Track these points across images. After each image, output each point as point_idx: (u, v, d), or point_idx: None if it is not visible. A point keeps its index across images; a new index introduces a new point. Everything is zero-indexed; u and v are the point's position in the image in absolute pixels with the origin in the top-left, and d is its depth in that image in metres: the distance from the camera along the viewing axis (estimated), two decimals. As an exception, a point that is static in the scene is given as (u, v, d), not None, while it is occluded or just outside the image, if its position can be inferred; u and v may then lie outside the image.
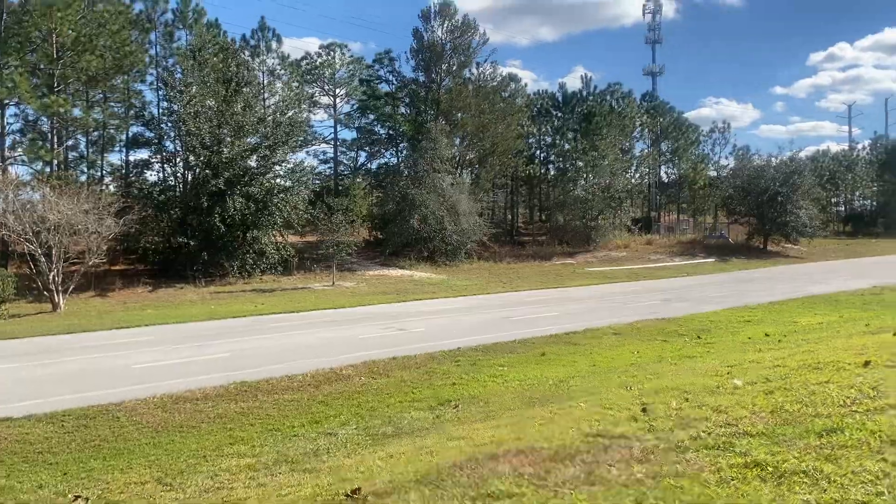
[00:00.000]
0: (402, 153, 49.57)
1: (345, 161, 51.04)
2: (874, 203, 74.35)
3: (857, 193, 75.78)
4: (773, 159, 53.49)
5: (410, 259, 39.19)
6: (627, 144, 58.91)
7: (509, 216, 58.35)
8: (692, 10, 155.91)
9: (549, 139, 57.94)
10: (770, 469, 4.56)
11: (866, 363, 8.88)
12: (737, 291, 27.56)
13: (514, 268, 41.09)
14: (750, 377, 9.19)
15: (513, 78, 53.75)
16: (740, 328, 18.83)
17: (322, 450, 8.55)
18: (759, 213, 49.84)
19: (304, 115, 40.79)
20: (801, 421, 5.91)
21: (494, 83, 48.83)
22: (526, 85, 57.01)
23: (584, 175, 50.44)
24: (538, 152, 58.44)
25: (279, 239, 35.21)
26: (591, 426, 6.92)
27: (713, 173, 63.09)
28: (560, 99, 58.14)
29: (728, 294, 26.57)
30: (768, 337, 16.53)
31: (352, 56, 48.57)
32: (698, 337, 17.54)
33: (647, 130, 62.57)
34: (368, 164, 51.77)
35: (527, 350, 16.14)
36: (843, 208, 75.35)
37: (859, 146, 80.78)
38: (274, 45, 43.10)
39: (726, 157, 64.83)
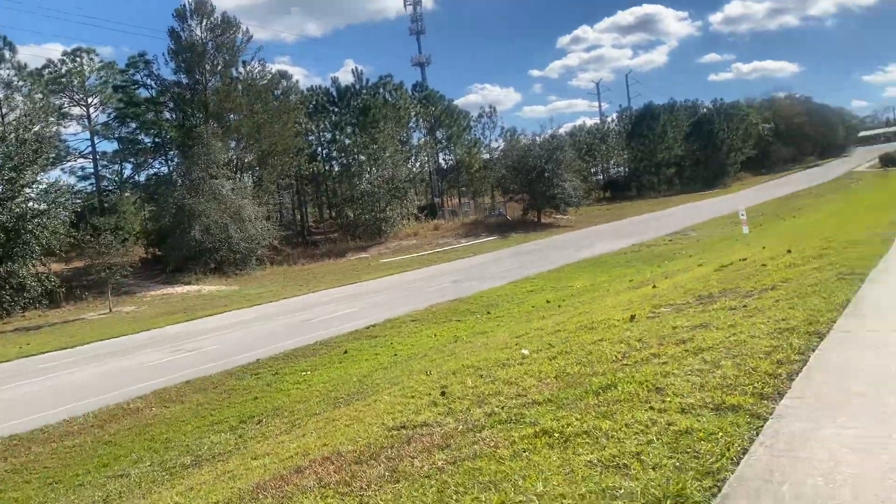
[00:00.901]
0: (172, 161, 46.69)
1: (108, 175, 47.10)
2: (626, 169, 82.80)
3: (612, 162, 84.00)
4: (537, 138, 57.80)
5: (196, 273, 37.11)
6: (405, 135, 60.30)
7: (299, 216, 57.33)
8: (450, 1, 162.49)
9: (328, 135, 57.63)
10: (556, 435, 4.84)
11: (632, 317, 9.81)
12: (519, 264, 29.33)
13: (309, 268, 40.50)
14: (536, 345, 9.75)
15: (284, 75, 52.69)
16: (525, 298, 20.04)
17: (113, 495, 7.83)
18: (530, 189, 53.48)
19: (54, 129, 36.90)
20: (582, 382, 6.36)
21: (265, 81, 47.52)
22: (298, 81, 55.99)
23: (368, 168, 50.87)
24: (320, 149, 57.96)
25: (41, 269, 31.61)
26: (394, 419, 6.95)
27: (486, 156, 66.61)
28: (335, 94, 58.00)
29: (511, 268, 28.20)
30: (549, 303, 17.71)
31: (101, 61, 44.72)
32: (488, 312, 18.41)
33: (421, 120, 64.44)
34: (136, 177, 48.15)
35: (329, 350, 15.97)
36: (601, 177, 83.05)
37: (609, 119, 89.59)
38: (7, 53, 38.40)
39: (496, 140, 68.82)
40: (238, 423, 10.81)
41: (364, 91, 57.75)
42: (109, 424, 11.63)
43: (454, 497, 4.12)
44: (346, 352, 15.29)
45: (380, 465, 5.32)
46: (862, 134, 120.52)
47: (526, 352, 9.23)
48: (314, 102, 56.50)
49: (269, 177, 46.70)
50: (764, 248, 16.09)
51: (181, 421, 11.29)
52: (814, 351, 5.71)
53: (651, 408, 5.02)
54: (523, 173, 53.41)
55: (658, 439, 4.31)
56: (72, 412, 12.19)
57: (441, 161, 68.44)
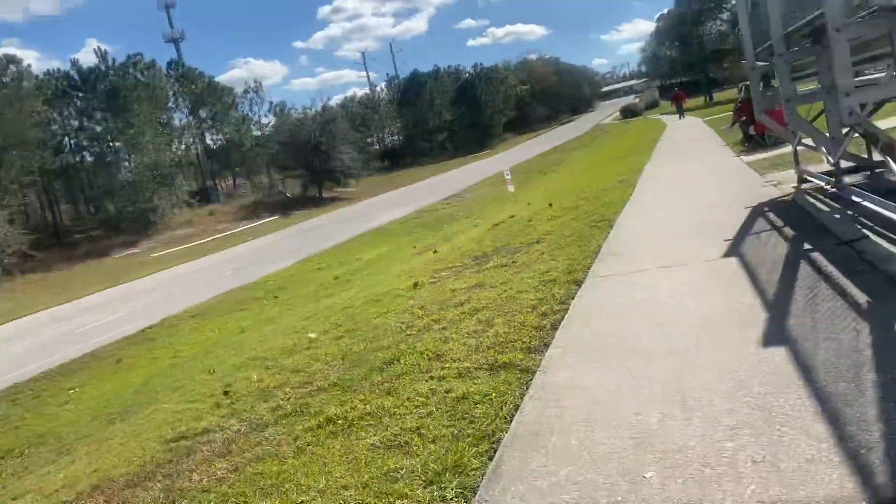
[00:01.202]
0: None
1: None
2: (401, 137, 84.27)
3: (387, 131, 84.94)
4: (308, 112, 56.65)
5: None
6: (165, 117, 56.22)
7: (51, 216, 51.45)
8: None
9: (75, 123, 52.04)
10: (340, 422, 4.73)
11: (415, 285, 9.95)
12: (304, 242, 28.77)
13: (69, 273, 36.64)
14: (324, 326, 9.57)
15: (12, 59, 46.49)
16: (313, 277, 19.69)
17: None
18: (307, 164, 52.57)
19: None
20: (367, 360, 6.30)
21: (-13, 67, 41.68)
22: (30, 66, 49.65)
23: (127, 156, 46.85)
24: (67, 139, 52.18)
25: None
26: (173, 429, 6.45)
27: (258, 133, 64.22)
28: (77, 78, 52.33)
29: (296, 247, 27.58)
30: (338, 279, 17.54)
31: None
32: (275, 297, 17.85)
33: (181, 99, 60.39)
34: None
35: (100, 362, 14.58)
36: (378, 146, 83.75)
37: (378, 88, 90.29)
38: None
39: (266, 116, 66.49)
40: (-6, 461, 9.50)
41: (112, 72, 52.67)
42: None
43: (232, 509, 3.87)
44: (119, 361, 14.04)
45: (155, 487, 4.89)
46: (604, 89, 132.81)
47: (313, 335, 9.02)
48: (54, 88, 50.58)
49: (6, 175, 41.25)
50: (529, 203, 17.12)
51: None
52: (573, 299, 6.12)
53: (431, 377, 5.07)
54: (298, 148, 52.29)
55: (437, 409, 4.35)
56: None
57: (210, 142, 64.84)
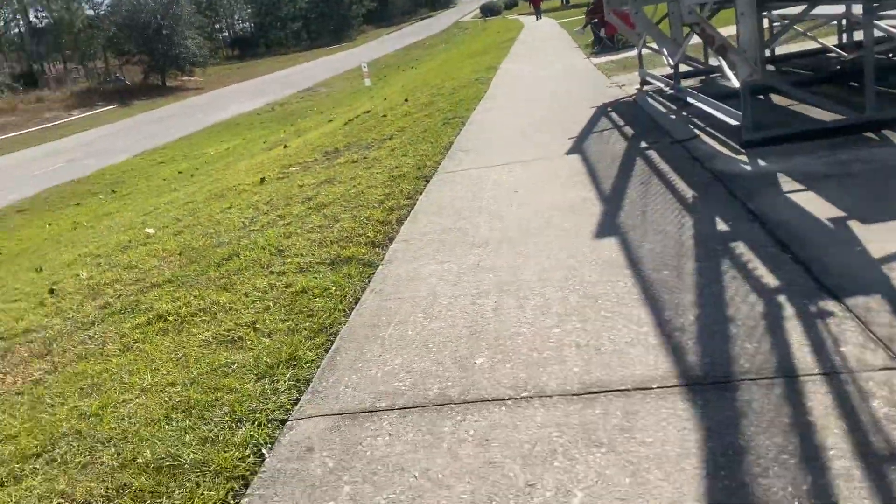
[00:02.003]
0: None
1: None
2: (252, 25, 79.15)
3: (237, 17, 79.38)
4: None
5: None
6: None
7: None
8: None
9: None
10: (172, 318, 4.48)
11: (262, 180, 9.54)
12: (145, 134, 26.80)
13: None
14: (163, 221, 9.03)
15: None
16: (155, 171, 18.51)
17: None
18: (149, 49, 48.39)
19: None
20: (205, 255, 5.99)
21: None
22: None
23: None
24: None
25: None
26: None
27: (91, 12, 57.96)
28: None
29: (137, 139, 25.67)
30: (182, 174, 16.58)
31: None
32: (113, 191, 16.68)
33: (-2, -33, 53.07)
34: None
35: None
36: (227, 34, 78.34)
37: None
38: None
39: (100, -8, 59.94)
40: None
41: None
42: None
43: (49, 411, 3.59)
44: (-69, 259, 12.66)
45: (-38, 394, 4.46)
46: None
47: (151, 230, 8.48)
48: None
49: None
50: (385, 99, 16.74)
51: None
52: (420, 194, 6.06)
53: (271, 272, 4.89)
54: (139, 31, 47.82)
55: (275, 304, 4.21)
56: None
57: (34, 20, 57.85)
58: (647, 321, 3.05)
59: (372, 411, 2.80)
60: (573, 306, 3.34)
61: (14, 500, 2.79)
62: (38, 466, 3.02)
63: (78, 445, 3.10)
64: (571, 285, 3.58)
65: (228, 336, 3.90)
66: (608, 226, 4.37)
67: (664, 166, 5.35)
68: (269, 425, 2.87)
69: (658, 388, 2.54)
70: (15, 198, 17.60)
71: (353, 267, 4.54)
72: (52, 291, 6.64)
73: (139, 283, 5.84)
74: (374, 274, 4.37)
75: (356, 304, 3.97)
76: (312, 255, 5.02)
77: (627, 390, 2.56)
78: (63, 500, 2.69)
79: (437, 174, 6.66)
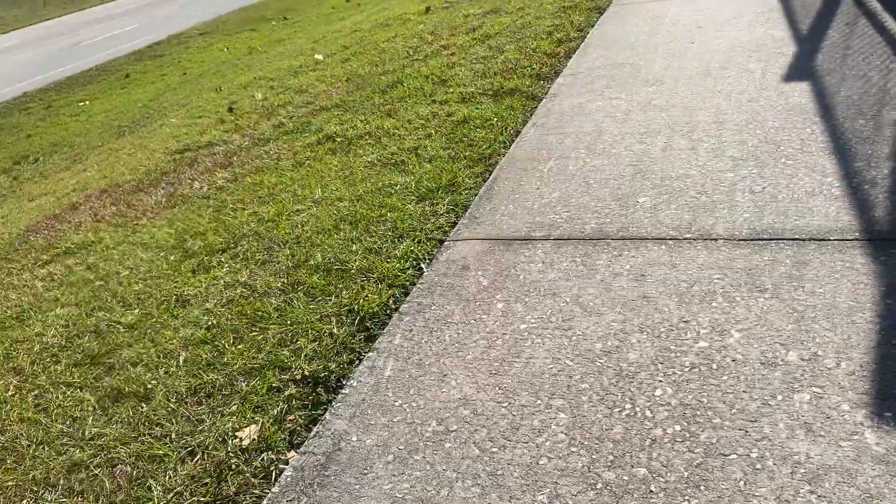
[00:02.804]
0: None
1: None
2: None
3: None
4: None
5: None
6: None
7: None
8: None
9: None
10: (340, 140, 4.66)
11: (427, 10, 9.38)
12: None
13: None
14: (331, 49, 9.21)
15: None
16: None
17: None
18: None
19: None
20: (371, 83, 6.09)
21: None
22: None
23: None
24: None
25: None
26: (178, 142, 6.46)
27: None
28: None
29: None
30: (349, 3, 16.63)
31: None
32: (285, 18, 17.10)
33: None
34: None
35: (109, 76, 14.37)
36: None
37: None
38: None
39: None
40: (11, 164, 9.74)
41: None
42: None
43: (231, 214, 3.93)
44: (127, 76, 13.81)
45: (158, 192, 4.97)
46: None
47: (320, 56, 8.71)
48: None
49: None
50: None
51: (-57, 171, 10.01)
52: (592, 27, 5.71)
53: (434, 101, 4.90)
54: None
55: (437, 132, 4.24)
56: None
57: None
58: (833, 171, 2.78)
59: (527, 240, 2.83)
60: (751, 151, 3.10)
61: (204, 286, 3.14)
62: (223, 260, 3.36)
63: (257, 245, 3.39)
64: (751, 129, 3.31)
65: (392, 159, 4.01)
66: (800, 68, 3.93)
67: (876, 5, 4.66)
68: (428, 243, 2.99)
69: (836, 240, 2.35)
70: (196, 21, 18.51)
71: (515, 99, 4.44)
72: (230, 110, 7.09)
73: (309, 105, 6.08)
74: (537, 107, 4.26)
75: (517, 136, 3.91)
76: (475, 85, 4.95)
77: (801, 240, 2.40)
78: (245, 290, 2.99)
79: (611, 6, 6.21)
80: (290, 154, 4.74)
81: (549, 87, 4.54)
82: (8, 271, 4.33)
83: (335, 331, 2.52)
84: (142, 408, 2.37)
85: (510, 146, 3.79)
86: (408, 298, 2.63)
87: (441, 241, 2.99)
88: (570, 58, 5.05)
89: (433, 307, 2.53)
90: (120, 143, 8.51)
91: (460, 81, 5.13)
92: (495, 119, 4.16)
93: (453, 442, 1.92)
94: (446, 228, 3.09)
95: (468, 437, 1.93)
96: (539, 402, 1.98)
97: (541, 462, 1.79)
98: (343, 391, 2.23)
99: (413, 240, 3.02)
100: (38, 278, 3.94)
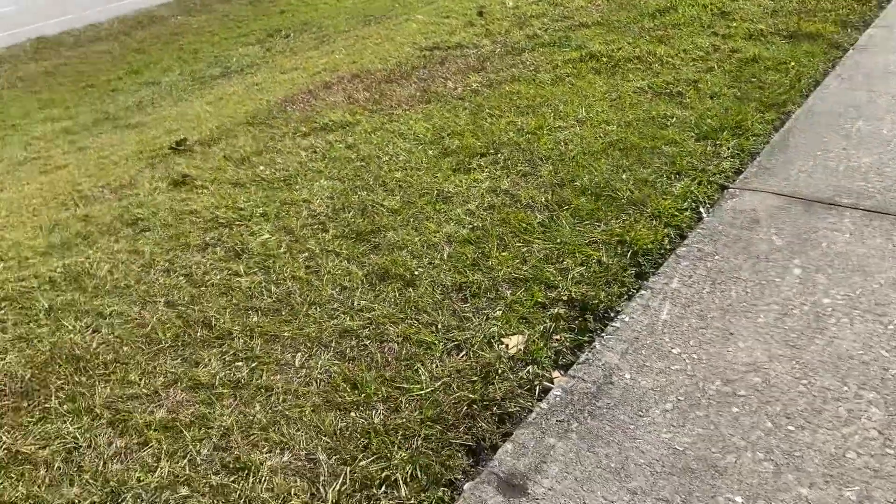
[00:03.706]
0: None
1: None
2: None
3: None
4: None
5: None
6: None
7: None
8: None
9: None
10: (605, 59, 4.42)
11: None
12: None
13: None
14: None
15: None
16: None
17: (146, 101, 7.83)
18: None
19: None
20: (636, 4, 5.72)
21: None
22: None
23: None
24: None
25: None
26: (427, 39, 6.51)
27: None
28: None
29: None
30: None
31: None
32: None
33: None
34: None
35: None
36: None
37: None
38: None
39: None
40: (265, 36, 10.42)
41: None
42: (136, 32, 11.33)
43: (488, 120, 3.88)
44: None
45: (411, 85, 5.04)
46: None
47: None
48: None
49: None
50: None
51: (208, 31, 10.91)
52: (914, -25, 4.93)
53: (714, 33, 4.49)
54: None
55: (719, 67, 3.89)
56: (93, 18, 11.81)
57: None
58: None
59: (831, 204, 2.52)
60: None
61: (464, 186, 3.13)
62: (482, 164, 3.33)
63: (518, 156, 3.32)
64: None
65: (666, 89, 3.74)
66: None
67: None
68: (709, 186, 2.76)
69: None
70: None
71: (816, 45, 3.94)
72: (480, 14, 6.99)
73: (566, 20, 5.84)
74: (841, 58, 3.76)
75: (816, 86, 3.49)
76: (765, 23, 4.46)
77: None
78: (506, 198, 2.95)
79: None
80: (549, 68, 4.58)
81: (858, 38, 3.99)
82: (271, 136, 4.62)
83: (604, 259, 2.41)
84: (408, 292, 2.42)
85: (808, 96, 3.38)
86: (686, 242, 2.45)
87: (724, 187, 2.74)
88: (885, 7, 4.40)
89: (716, 257, 2.34)
90: (366, 31, 8.75)
91: (746, 16, 4.65)
92: (791, 64, 3.72)
93: (741, 408, 1.76)
94: (730, 174, 2.83)
95: (759, 406, 1.76)
96: (846, 388, 1.77)
97: (848, 455, 1.60)
98: (613, 324, 2.13)
99: (692, 179, 2.80)
100: (300, 148, 4.16)
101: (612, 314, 2.18)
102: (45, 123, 7.52)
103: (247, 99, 6.27)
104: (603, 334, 2.09)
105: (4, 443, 2.01)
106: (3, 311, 2.78)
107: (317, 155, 3.97)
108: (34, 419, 2.10)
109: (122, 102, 7.95)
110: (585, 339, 2.11)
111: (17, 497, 1.82)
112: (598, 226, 2.61)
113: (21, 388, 2.24)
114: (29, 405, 2.16)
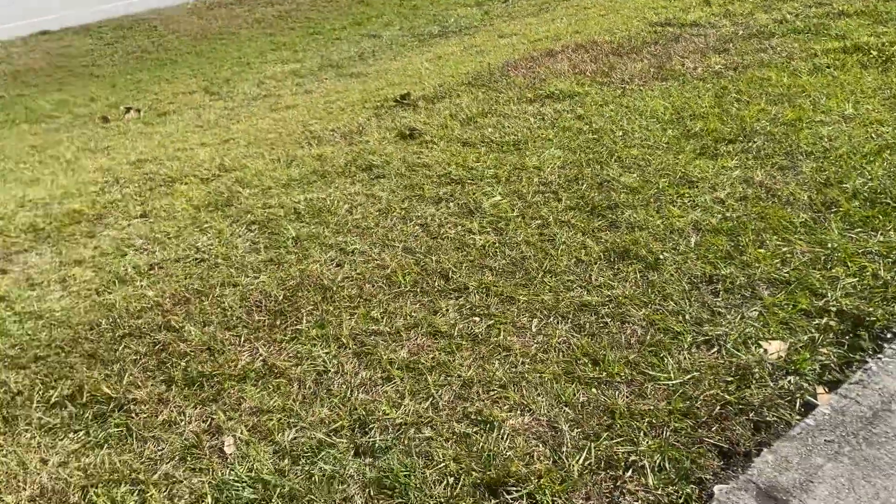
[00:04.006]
0: None
1: None
2: None
3: None
4: None
5: None
6: None
7: None
8: None
9: None
10: (874, 53, 3.98)
11: None
12: None
13: None
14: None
15: None
16: None
17: (367, 53, 8.16)
18: None
19: None
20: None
21: None
22: None
23: None
24: None
25: None
26: (657, 14, 6.22)
27: None
28: None
29: None
30: None
31: None
32: None
33: None
34: None
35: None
36: None
37: None
38: None
39: None
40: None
41: None
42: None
43: (735, 105, 3.63)
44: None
45: (642, 60, 4.84)
46: None
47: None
48: None
49: None
50: None
51: (427, -10, 11.19)
52: None
53: None
54: None
55: None
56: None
57: None
58: None
59: None
60: None
61: (711, 172, 2.95)
62: (731, 151, 3.12)
63: (774, 147, 3.08)
64: None
65: (955, 92, 3.31)
66: None
67: None
68: None
69: None
70: None
71: None
72: (717, -7, 6.57)
73: (822, 6, 5.34)
74: None
75: None
76: None
77: None
78: (761, 191, 2.73)
79: None
80: (805, 56, 4.20)
81: None
82: (496, 99, 4.63)
83: (881, 273, 2.17)
84: (650, 275, 2.32)
85: None
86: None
87: None
88: None
89: None
90: (588, 1, 8.54)
91: None
92: None
93: None
94: None
95: None
96: None
97: None
98: (892, 345, 1.91)
99: None
100: (526, 114, 4.13)
101: (890, 335, 1.96)
102: (276, 65, 8.05)
103: (467, 60, 6.33)
104: (880, 355, 1.88)
105: (262, 355, 2.17)
106: (254, 234, 3.00)
107: (545, 122, 3.92)
108: (286, 338, 2.25)
109: (346, 51, 8.33)
110: (857, 357, 1.91)
111: (274, 407, 1.96)
112: (874, 235, 2.35)
113: (276, 307, 2.40)
114: (281, 324, 2.32)
